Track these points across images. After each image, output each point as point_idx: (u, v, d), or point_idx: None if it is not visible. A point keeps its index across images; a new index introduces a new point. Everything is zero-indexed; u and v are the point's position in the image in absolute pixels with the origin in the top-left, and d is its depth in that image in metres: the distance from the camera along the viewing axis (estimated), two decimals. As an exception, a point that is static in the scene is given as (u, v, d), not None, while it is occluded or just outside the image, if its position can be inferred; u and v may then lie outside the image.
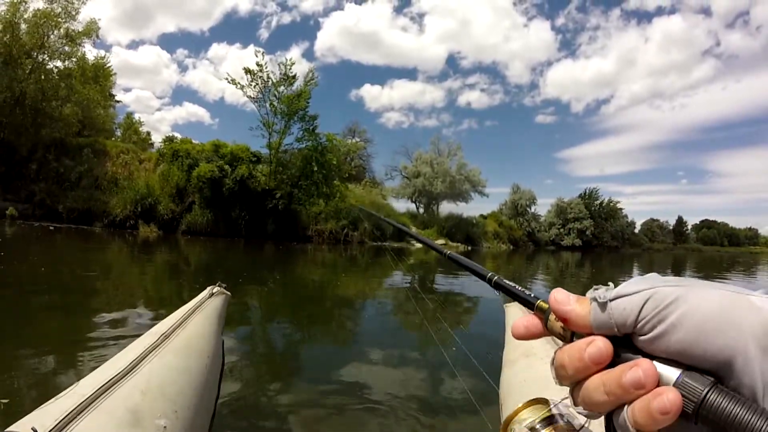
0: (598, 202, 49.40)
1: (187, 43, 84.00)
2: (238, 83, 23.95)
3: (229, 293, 2.84)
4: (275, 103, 23.73)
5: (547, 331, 0.42)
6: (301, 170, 23.21)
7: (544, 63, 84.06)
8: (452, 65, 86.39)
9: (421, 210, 41.89)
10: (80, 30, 24.47)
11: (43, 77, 23.22)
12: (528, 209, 46.87)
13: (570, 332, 0.39)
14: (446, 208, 41.91)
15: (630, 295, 0.36)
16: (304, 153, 23.81)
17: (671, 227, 79.05)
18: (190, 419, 1.62)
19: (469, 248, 33.26)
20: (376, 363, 4.27)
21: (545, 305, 0.42)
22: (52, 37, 23.80)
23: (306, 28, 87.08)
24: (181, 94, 72.91)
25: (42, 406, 1.25)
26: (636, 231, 60.53)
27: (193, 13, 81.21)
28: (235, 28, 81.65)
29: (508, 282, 0.52)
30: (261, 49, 24.80)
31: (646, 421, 0.32)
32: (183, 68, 72.97)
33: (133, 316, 5.29)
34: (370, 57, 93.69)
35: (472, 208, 44.89)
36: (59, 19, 23.56)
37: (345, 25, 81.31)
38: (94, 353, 3.84)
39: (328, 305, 7.77)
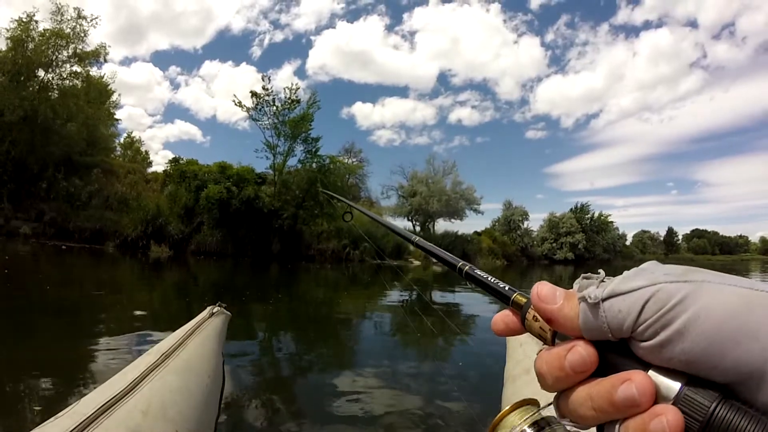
0: (589, 216, 50.25)
1: (179, 61, 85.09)
2: (245, 106, 25.03)
3: (229, 313, 2.89)
4: (279, 126, 24.65)
5: (524, 329, 0.39)
6: (305, 191, 23.87)
7: (534, 79, 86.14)
8: (443, 83, 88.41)
9: (418, 228, 42.61)
10: (88, 50, 24.94)
11: (51, 96, 23.49)
12: (520, 225, 48.03)
13: (551, 333, 0.35)
14: (442, 225, 42.96)
15: (627, 293, 0.30)
16: (308, 174, 24.50)
17: (662, 238, 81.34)
18: (190, 439, 1.70)
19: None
20: (375, 382, 4.26)
21: (522, 300, 0.39)
22: (60, 56, 24.20)
23: (298, 47, 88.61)
24: (173, 112, 73.62)
25: (41, 425, 1.27)
26: (627, 243, 62.43)
27: (187, 30, 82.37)
28: (228, 46, 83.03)
29: (480, 272, 0.47)
30: (267, 74, 26.36)
31: None
32: (175, 86, 73.89)
33: (137, 334, 5.35)
34: (361, 75, 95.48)
35: (467, 225, 46.53)
36: (68, 40, 24.05)
37: (337, 43, 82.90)
38: (96, 372, 3.89)
39: (329, 323, 7.84)
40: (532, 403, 0.40)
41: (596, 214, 50.94)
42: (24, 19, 23.42)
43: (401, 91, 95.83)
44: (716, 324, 0.27)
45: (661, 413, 0.27)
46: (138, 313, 6.97)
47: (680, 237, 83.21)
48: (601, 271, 0.34)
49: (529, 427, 0.37)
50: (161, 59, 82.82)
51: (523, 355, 2.55)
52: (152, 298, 9.31)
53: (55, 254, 17.23)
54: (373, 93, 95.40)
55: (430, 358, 5.53)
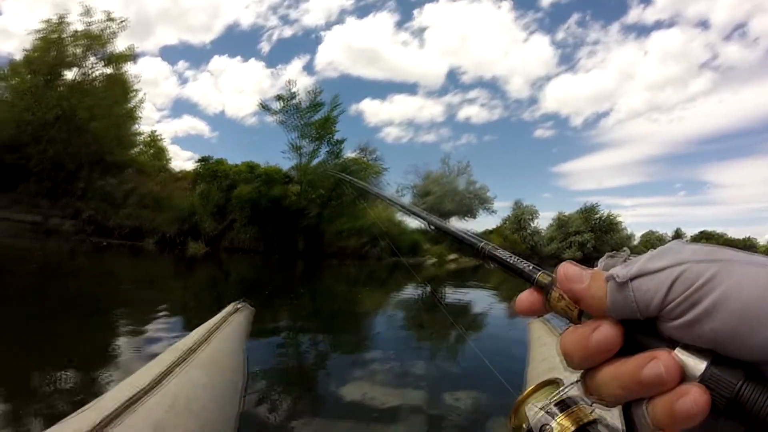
0: (598, 215, 51.29)
1: (188, 56, 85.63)
2: (271, 110, 26.41)
3: (253, 308, 2.95)
4: (304, 128, 25.94)
5: (548, 308, 0.38)
6: (330, 191, 24.98)
7: (544, 78, 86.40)
8: (452, 80, 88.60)
9: (431, 227, 44.69)
10: (117, 52, 26.14)
11: (83, 96, 24.43)
12: (530, 224, 49.72)
13: (577, 311, 0.35)
14: (455, 224, 44.56)
15: (655, 272, 0.31)
16: (333, 171, 25.23)
17: (669, 239, 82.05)
18: (214, 434, 1.68)
19: (480, 262, 35.86)
20: (393, 375, 4.36)
21: (546, 279, 0.38)
22: (91, 57, 25.41)
23: (307, 42, 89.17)
24: (181, 107, 74.48)
25: (65, 419, 1.31)
26: (635, 243, 63.70)
27: (195, 26, 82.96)
28: (237, 41, 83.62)
29: (501, 252, 0.46)
30: (294, 80, 27.97)
31: (668, 422, 0.29)
32: (183, 80, 74.56)
33: (166, 328, 5.55)
34: (370, 71, 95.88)
35: (479, 223, 48.10)
36: (98, 41, 25.27)
37: (346, 39, 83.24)
38: (124, 365, 3.98)
39: (349, 317, 8.12)
40: (556, 382, 0.42)
41: (605, 214, 51.94)
42: (54, 21, 24.42)
43: (410, 88, 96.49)
44: (745, 303, 0.28)
45: (687, 391, 0.28)
46: (169, 306, 7.20)
47: (688, 238, 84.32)
48: (626, 248, 0.36)
49: (555, 405, 0.39)
50: (169, 54, 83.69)
51: (544, 341, 2.62)
52: (184, 292, 9.68)
53: (95, 251, 18.03)
54: (382, 90, 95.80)
55: (450, 356, 5.75)
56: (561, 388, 0.40)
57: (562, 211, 52.46)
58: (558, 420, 0.39)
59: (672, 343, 0.30)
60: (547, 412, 0.40)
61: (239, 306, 2.88)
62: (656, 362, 0.30)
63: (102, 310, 6.57)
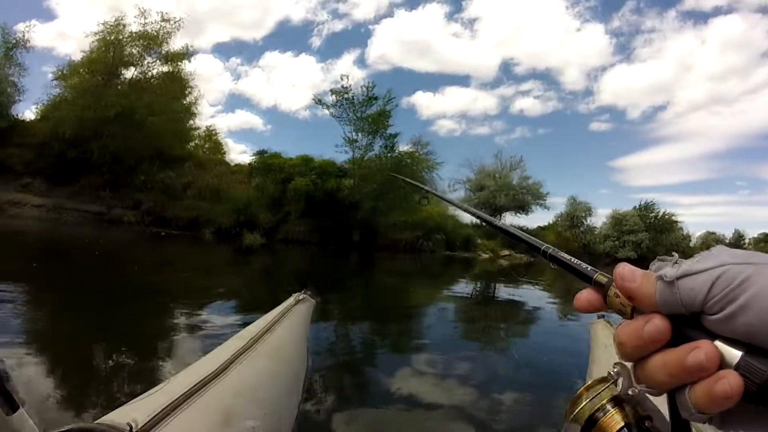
0: (654, 214, 49.73)
1: (240, 52, 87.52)
2: (325, 104, 27.00)
3: (314, 300, 3.01)
4: (358, 122, 26.32)
5: (605, 306, 0.42)
6: (384, 185, 24.93)
7: (599, 68, 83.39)
8: (505, 72, 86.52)
9: (484, 222, 44.45)
10: (174, 51, 27.16)
11: (142, 94, 25.41)
12: (584, 221, 48.27)
13: (630, 308, 0.39)
14: (508, 220, 42.32)
15: (698, 273, 0.35)
16: (387, 168, 25.58)
17: (728, 241, 78.96)
18: (276, 422, 1.76)
19: (532, 259, 35.57)
20: (445, 367, 4.39)
21: (603, 279, 0.43)
22: (148, 56, 26.49)
23: (357, 36, 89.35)
24: (234, 102, 75.84)
25: (134, 400, 1.32)
26: (692, 244, 60.95)
27: (246, 23, 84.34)
28: (288, 37, 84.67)
29: (563, 254, 0.51)
30: (348, 74, 27.71)
31: (707, 404, 0.33)
32: (236, 76, 76.15)
33: (223, 316, 5.66)
34: (421, 64, 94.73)
35: (531, 219, 47.19)
36: (157, 41, 26.36)
37: (396, 31, 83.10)
38: (184, 352, 4.11)
39: (402, 310, 8.17)
40: (609, 380, 0.46)
41: (661, 213, 50.28)
42: (111, 23, 25.60)
43: (462, 80, 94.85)
44: None
45: (724, 376, 0.32)
46: (227, 295, 7.43)
47: (749, 240, 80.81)
48: (674, 253, 0.40)
49: (608, 402, 0.44)
50: (222, 51, 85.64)
51: (605, 342, 2.66)
52: (240, 281, 9.87)
53: (153, 240, 18.72)
54: (434, 82, 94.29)
55: (499, 348, 5.80)
56: (613, 386, 0.45)
57: (618, 208, 50.62)
58: (610, 414, 0.44)
59: (712, 336, 0.34)
60: (600, 408, 0.45)
61: (301, 297, 2.90)
62: (698, 351, 0.33)
63: (163, 296, 6.76)
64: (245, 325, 2.40)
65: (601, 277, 0.43)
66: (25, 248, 11.71)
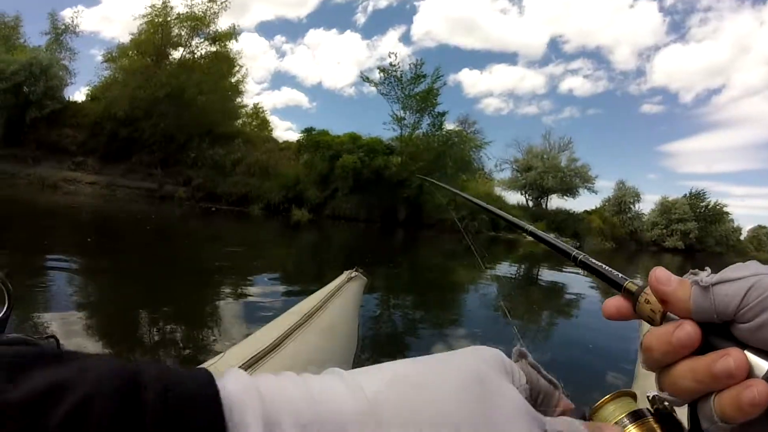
0: (704, 203, 48.10)
1: (284, 30, 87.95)
2: (373, 81, 27.09)
3: (365, 278, 3.05)
4: (406, 100, 26.26)
5: (635, 314, 0.42)
6: (432, 163, 25.20)
7: (652, 48, 79.60)
8: (554, 50, 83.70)
9: (531, 204, 42.94)
10: (221, 31, 27.41)
11: (191, 73, 25.83)
12: (631, 207, 46.67)
13: (660, 315, 0.39)
14: (555, 202, 43.05)
15: (733, 281, 0.35)
16: (434, 146, 26.00)
17: (781, 235, 75.39)
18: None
19: (578, 244, 33.42)
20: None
21: (633, 287, 0.42)
22: (196, 37, 26.90)
23: (402, 12, 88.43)
24: (279, 79, 76.51)
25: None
26: (742, 238, 58.50)
27: (290, 1, 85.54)
28: (331, 14, 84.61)
29: (594, 261, 0.50)
30: (395, 51, 27.53)
31: (734, 412, 0.32)
32: (281, 54, 76.64)
33: (273, 290, 5.79)
34: (468, 41, 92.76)
35: (578, 203, 46.05)
36: (204, 21, 26.64)
37: (442, 8, 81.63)
38: (235, 324, 4.17)
39: (445, 289, 8.29)
40: (630, 395, 0.45)
41: (712, 203, 48.48)
42: (159, 5, 26.08)
43: (510, 58, 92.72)
44: None
45: (752, 384, 0.32)
46: (277, 269, 7.56)
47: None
48: (707, 268, 0.39)
49: (626, 416, 0.43)
50: (266, 29, 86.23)
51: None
52: (288, 257, 10.05)
53: (204, 215, 19.11)
54: (481, 59, 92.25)
55: (540, 336, 5.79)
56: (632, 401, 0.44)
57: (667, 195, 49.08)
58: (627, 430, 0.42)
59: (741, 346, 0.34)
60: (617, 423, 0.43)
61: (353, 275, 2.92)
62: (728, 357, 0.33)
63: (213, 270, 6.89)
64: (295, 299, 2.44)
65: (631, 285, 0.42)
66: (80, 224, 12.10)
